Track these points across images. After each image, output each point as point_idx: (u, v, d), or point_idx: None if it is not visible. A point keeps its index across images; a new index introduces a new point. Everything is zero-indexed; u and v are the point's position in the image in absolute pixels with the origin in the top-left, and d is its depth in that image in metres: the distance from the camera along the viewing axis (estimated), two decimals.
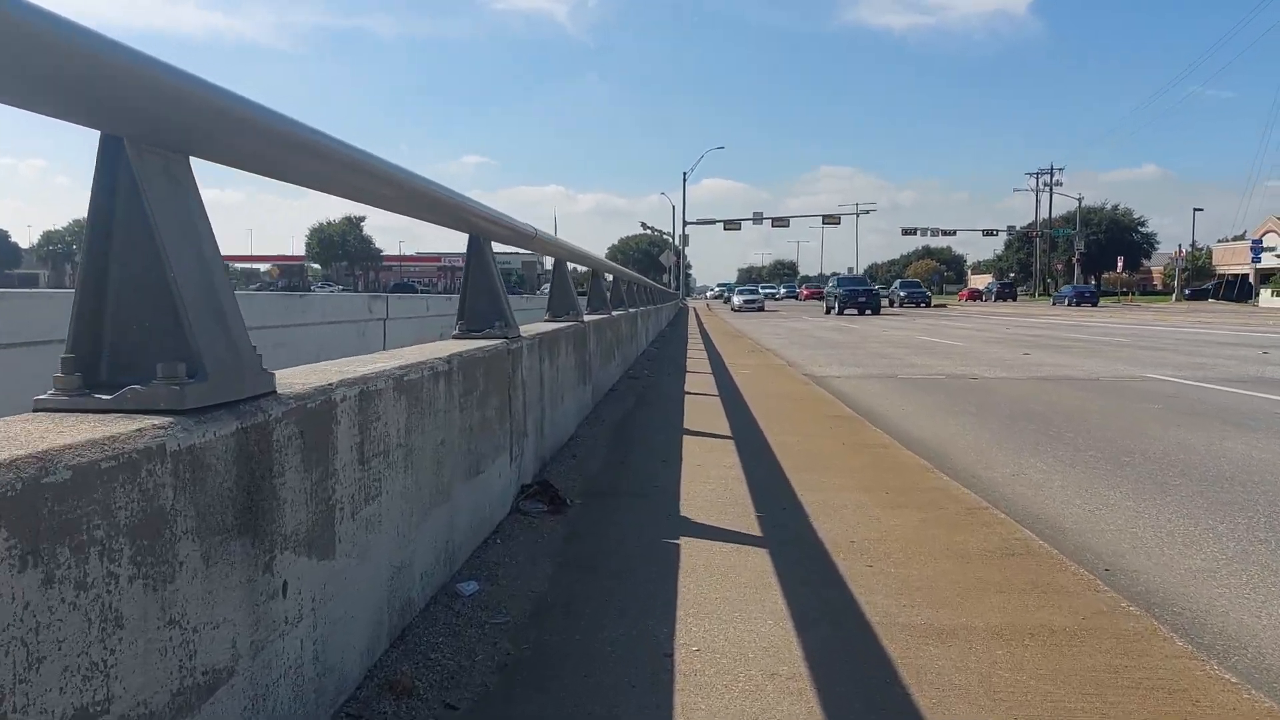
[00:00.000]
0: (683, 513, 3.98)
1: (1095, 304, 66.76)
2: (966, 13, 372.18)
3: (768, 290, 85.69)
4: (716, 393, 8.99)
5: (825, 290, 49.31)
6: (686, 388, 9.46)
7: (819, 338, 23.50)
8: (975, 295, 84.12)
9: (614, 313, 9.84)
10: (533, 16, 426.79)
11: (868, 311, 43.12)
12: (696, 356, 14.44)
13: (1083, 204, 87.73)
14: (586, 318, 7.60)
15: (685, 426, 6.61)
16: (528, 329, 5.02)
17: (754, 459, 5.37)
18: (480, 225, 3.98)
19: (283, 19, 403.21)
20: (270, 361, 1.84)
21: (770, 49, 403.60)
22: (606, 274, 9.68)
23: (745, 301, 55.67)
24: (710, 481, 4.66)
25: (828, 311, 45.18)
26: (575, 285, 9.49)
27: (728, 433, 6.35)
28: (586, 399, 6.90)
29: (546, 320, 6.48)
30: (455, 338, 4.06)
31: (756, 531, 3.69)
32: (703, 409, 7.66)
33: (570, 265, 7.82)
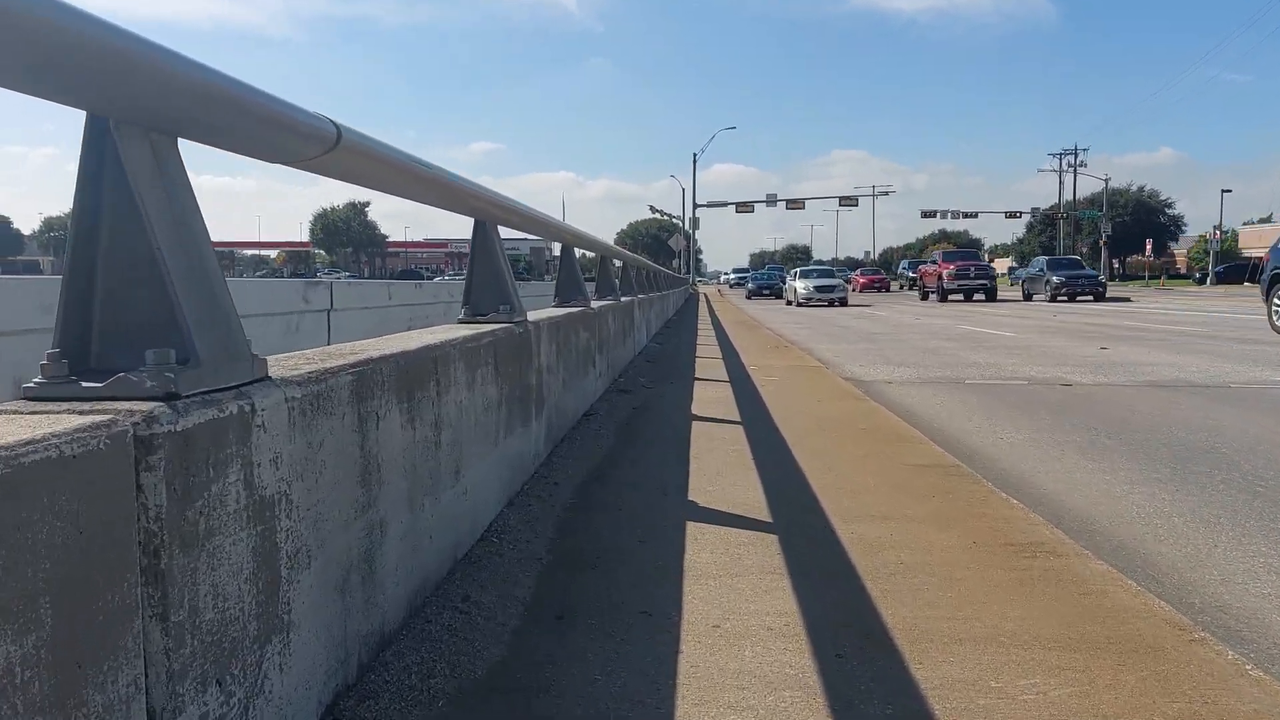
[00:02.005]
0: None
1: None
2: None
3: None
4: (738, 416, 6.35)
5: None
6: (695, 407, 6.82)
7: (846, 326, 20.80)
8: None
9: (597, 304, 7.22)
10: (537, 1, 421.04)
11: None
12: (708, 356, 11.78)
13: (1109, 185, 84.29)
14: (543, 315, 4.99)
15: (691, 497, 3.97)
16: (354, 349, 2.40)
17: (821, 593, 2.75)
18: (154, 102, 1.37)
19: (289, 6, 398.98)
20: None
21: (781, 31, 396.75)
22: (578, 250, 7.02)
23: (818, 289, 34.54)
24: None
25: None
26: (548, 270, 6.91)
27: (764, 514, 3.71)
28: (535, 444, 4.28)
29: (460, 322, 3.86)
30: (31, 397, 1.44)
31: None
32: (719, 453, 5.03)
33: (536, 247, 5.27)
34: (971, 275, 36.79)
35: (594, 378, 6.59)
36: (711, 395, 7.54)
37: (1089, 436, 6.31)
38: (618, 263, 11.42)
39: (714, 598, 2.70)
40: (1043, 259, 40.99)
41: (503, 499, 3.61)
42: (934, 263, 40.46)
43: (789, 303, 37.49)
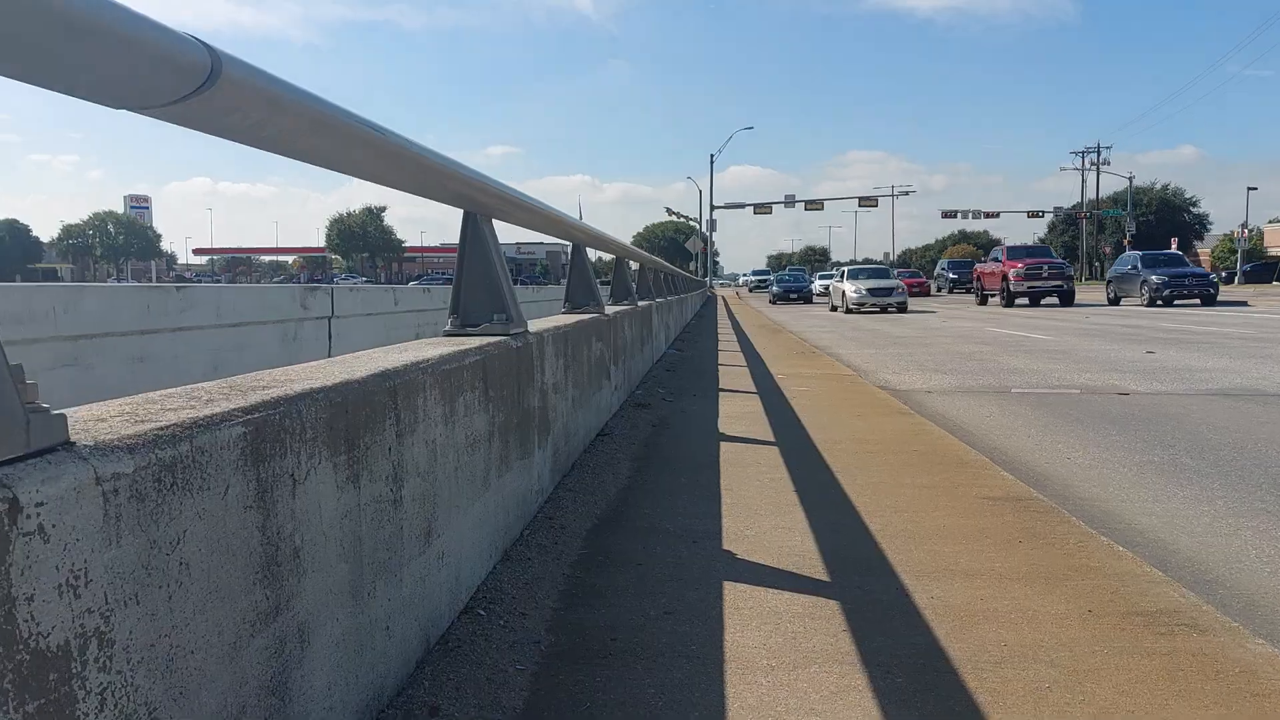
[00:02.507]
0: None
1: None
2: None
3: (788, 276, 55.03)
4: (771, 436, 5.66)
5: None
6: (722, 424, 6.13)
7: (872, 330, 20.04)
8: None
9: (612, 309, 6.55)
10: (555, 6, 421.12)
11: None
12: (732, 363, 11.09)
13: (1133, 183, 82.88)
14: (548, 324, 4.33)
15: (726, 546, 3.27)
16: (269, 380, 1.72)
17: (911, 696, 2.06)
18: None
19: (308, 12, 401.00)
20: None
21: (797, 32, 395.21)
22: (594, 252, 6.33)
23: (872, 293, 28.78)
24: None
25: None
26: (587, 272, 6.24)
27: (818, 570, 3.01)
28: (538, 479, 3.61)
29: (446, 334, 3.20)
30: None
31: None
32: (754, 483, 4.34)
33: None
34: (1044, 275, 30.51)
35: (609, 392, 5.91)
36: (739, 409, 6.85)
37: (1167, 455, 5.58)
38: (634, 265, 10.77)
39: (768, 706, 2.01)
40: (1135, 254, 34.05)
41: (496, 551, 2.94)
42: (995, 260, 33.67)
43: (833, 309, 31.45)
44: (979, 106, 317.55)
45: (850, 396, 7.77)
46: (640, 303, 9.27)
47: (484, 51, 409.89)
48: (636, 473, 4.44)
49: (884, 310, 28.36)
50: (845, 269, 33.36)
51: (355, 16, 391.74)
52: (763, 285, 67.44)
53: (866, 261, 64.24)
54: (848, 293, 29.53)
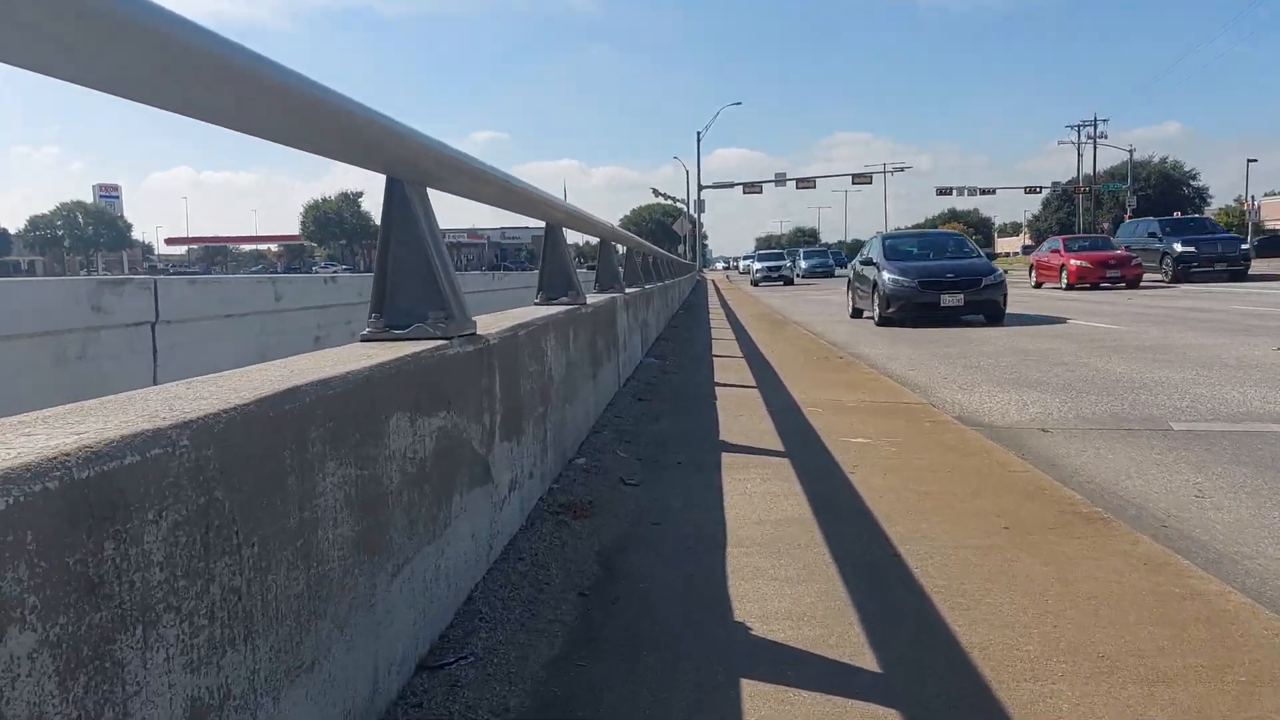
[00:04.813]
0: None
1: None
2: None
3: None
4: (870, 657, 2.40)
5: None
6: (737, 571, 2.88)
7: None
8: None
9: (516, 320, 3.29)
10: None
11: None
12: (734, 382, 7.79)
13: (1133, 156, 79.64)
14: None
15: None
16: None
17: None
18: None
19: (291, 5, 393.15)
20: None
21: (781, 12, 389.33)
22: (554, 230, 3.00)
23: None
24: None
25: None
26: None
27: None
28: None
29: None
30: None
31: None
32: None
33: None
34: None
35: (485, 515, 2.63)
36: (764, 511, 3.59)
37: None
38: (584, 240, 7.46)
39: None
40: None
41: None
42: None
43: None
44: (964, 88, 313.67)
45: (947, 461, 4.48)
46: (595, 298, 6.00)
47: (465, 38, 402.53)
48: None
49: None
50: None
51: (335, 4, 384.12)
52: (775, 275, 45.49)
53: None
54: None
